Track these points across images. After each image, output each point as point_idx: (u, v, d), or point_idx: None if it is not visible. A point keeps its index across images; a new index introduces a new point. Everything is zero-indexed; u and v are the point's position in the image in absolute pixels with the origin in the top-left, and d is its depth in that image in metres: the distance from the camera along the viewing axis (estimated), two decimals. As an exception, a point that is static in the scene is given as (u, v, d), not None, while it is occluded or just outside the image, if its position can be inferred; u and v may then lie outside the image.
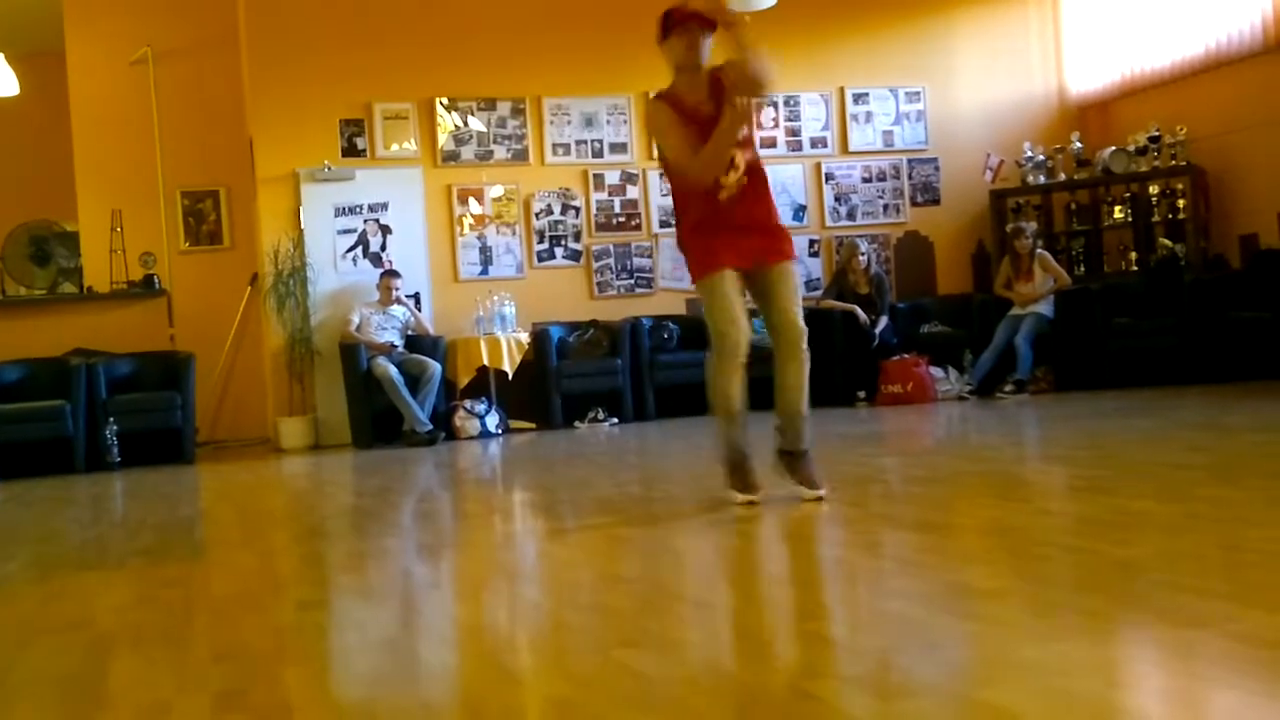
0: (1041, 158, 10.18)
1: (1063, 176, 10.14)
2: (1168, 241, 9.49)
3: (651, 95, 4.48)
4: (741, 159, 4.25)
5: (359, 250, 9.46)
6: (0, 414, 8.28)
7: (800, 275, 4.53)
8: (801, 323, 4.33)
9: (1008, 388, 8.85)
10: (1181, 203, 9.52)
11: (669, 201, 9.98)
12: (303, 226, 9.32)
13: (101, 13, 10.11)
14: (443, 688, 2.41)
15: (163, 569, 4.11)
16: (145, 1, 10.12)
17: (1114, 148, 9.85)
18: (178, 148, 10.05)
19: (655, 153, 4.41)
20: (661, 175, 4.25)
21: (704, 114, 4.25)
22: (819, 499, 4.27)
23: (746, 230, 4.27)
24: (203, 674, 2.56)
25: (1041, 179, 10.17)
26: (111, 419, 8.45)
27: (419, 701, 2.27)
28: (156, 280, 9.87)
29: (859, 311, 9.31)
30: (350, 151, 9.47)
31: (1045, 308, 9.15)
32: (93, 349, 9.16)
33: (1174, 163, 9.53)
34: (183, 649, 2.85)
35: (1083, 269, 9.98)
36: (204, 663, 2.67)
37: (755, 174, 4.32)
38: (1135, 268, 9.69)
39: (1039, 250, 9.36)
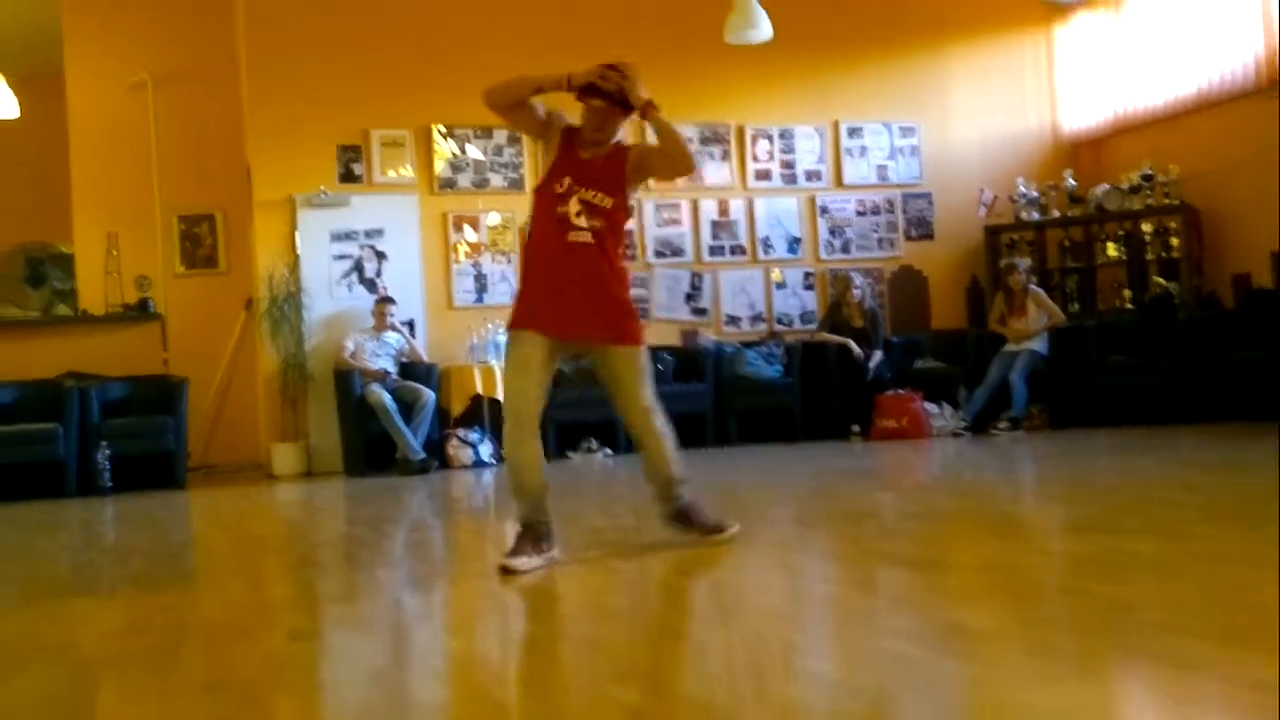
0: (1035, 194, 10.23)
1: (1056, 213, 10.19)
2: (1161, 280, 9.52)
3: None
4: (599, 213, 4.06)
5: (354, 276, 9.46)
6: (-9, 436, 8.24)
7: (647, 358, 4.31)
8: (649, 405, 4.21)
9: (1002, 424, 8.85)
10: (1175, 241, 9.56)
11: (665, 232, 10.14)
12: (298, 251, 9.32)
13: (101, 36, 10.15)
14: (434, 722, 2.39)
15: (153, 596, 4.08)
16: (145, 26, 10.15)
17: (1107, 185, 9.91)
18: (175, 171, 10.07)
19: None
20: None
21: (585, 160, 4.11)
22: (732, 537, 4.20)
23: (584, 296, 4.05)
24: (191, 703, 2.53)
25: (1035, 215, 10.22)
26: (104, 443, 8.41)
27: (410, 736, 2.25)
28: (151, 304, 9.86)
29: (853, 345, 9.32)
30: (347, 177, 9.49)
31: (1040, 344, 9.17)
32: (86, 372, 9.13)
33: (1167, 201, 9.57)
34: (172, 677, 2.82)
35: (1077, 306, 10.01)
36: (193, 691, 2.64)
37: (613, 234, 4.12)
38: (1129, 305, 9.72)
39: (1033, 287, 9.39)
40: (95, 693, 2.72)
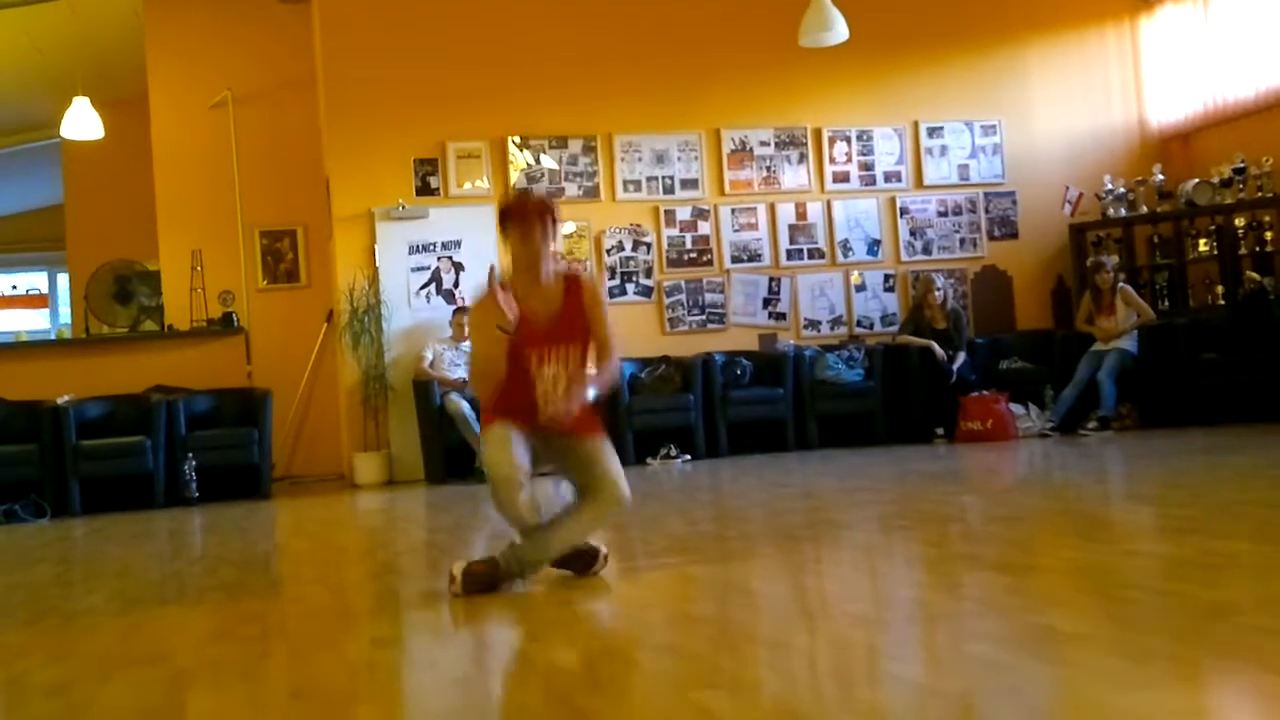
0: (1122, 190, 10.01)
1: (1144, 209, 9.97)
2: (1255, 274, 9.26)
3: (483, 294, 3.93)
4: (569, 359, 3.87)
5: (432, 287, 9.55)
6: (83, 449, 8.45)
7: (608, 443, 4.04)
8: (626, 491, 3.92)
9: (1091, 424, 8.67)
10: (1269, 235, 9.32)
11: (741, 237, 10.10)
12: (377, 264, 9.43)
13: (182, 59, 10.39)
14: (516, 728, 2.38)
15: (240, 604, 4.13)
16: (224, 47, 10.38)
17: (1197, 179, 9.67)
18: (256, 188, 10.27)
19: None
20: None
21: (540, 317, 3.85)
22: (605, 558, 3.99)
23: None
24: (280, 711, 2.55)
25: (1123, 212, 10.00)
26: (190, 455, 8.58)
27: (493, 742, 2.24)
28: (235, 318, 10.05)
29: (936, 347, 9.19)
30: (424, 190, 9.59)
31: (1129, 343, 8.97)
32: (173, 385, 9.33)
33: (1260, 194, 9.32)
34: (260, 685, 2.85)
35: (1167, 303, 9.78)
36: (281, 699, 2.67)
37: (581, 360, 3.92)
38: (1222, 301, 9.47)
39: (1121, 284, 9.19)
40: (187, 700, 2.76)
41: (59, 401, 8.63)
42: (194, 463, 8.56)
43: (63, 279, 14.58)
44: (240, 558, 5.56)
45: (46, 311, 16.49)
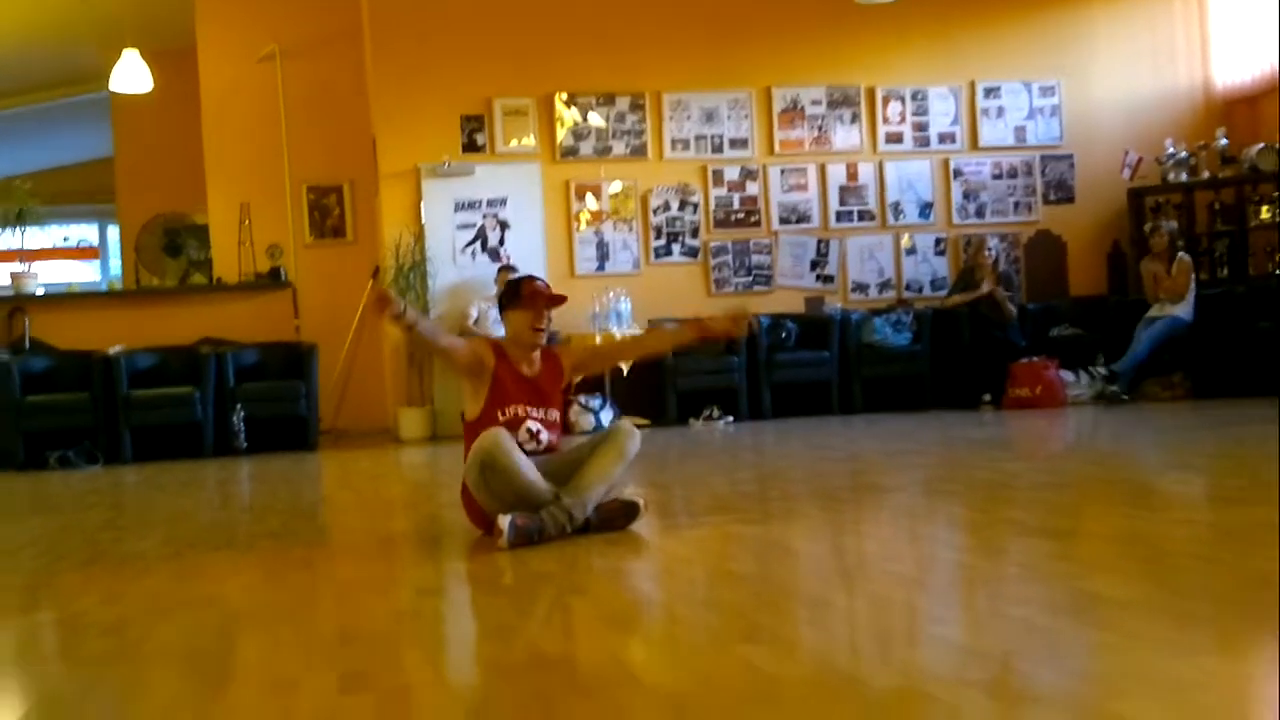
0: (1184, 154, 9.82)
1: (1206, 175, 9.77)
2: (1317, 243, 9.10)
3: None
4: (551, 426, 4.17)
5: (478, 245, 9.57)
6: (134, 399, 8.58)
7: None
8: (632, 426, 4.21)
9: (1102, 369, 8.64)
10: (1334, 203, 9.12)
11: (790, 198, 10.03)
12: (423, 221, 9.46)
13: (231, 11, 10.42)
14: (558, 677, 2.40)
15: (289, 552, 4.20)
16: (272, 1, 10.38)
17: (1262, 144, 9.46)
18: (303, 143, 10.30)
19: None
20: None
21: (528, 377, 4.15)
22: (645, 506, 4.07)
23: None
24: (328, 654, 2.60)
25: (1184, 177, 9.81)
26: (239, 406, 8.70)
27: (535, 690, 2.27)
28: (283, 272, 10.13)
29: (999, 290, 9.09)
30: (470, 147, 9.59)
31: (1184, 311, 8.85)
32: (221, 338, 9.44)
33: (1326, 161, 9.12)
34: (309, 629, 2.90)
35: (1226, 270, 9.61)
36: (329, 643, 2.71)
37: (559, 430, 4.26)
38: (1281, 270, 9.31)
39: (1181, 254, 9.04)
40: (237, 641, 2.81)
41: (110, 352, 8.76)
42: (242, 414, 8.67)
43: (113, 231, 14.74)
44: (288, 507, 5.64)
45: (97, 263, 16.69)
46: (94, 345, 8.93)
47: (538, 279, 4.34)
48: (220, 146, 10.35)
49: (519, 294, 4.18)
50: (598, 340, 8.76)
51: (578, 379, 4.37)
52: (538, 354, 4.22)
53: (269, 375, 9.07)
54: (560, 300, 4.27)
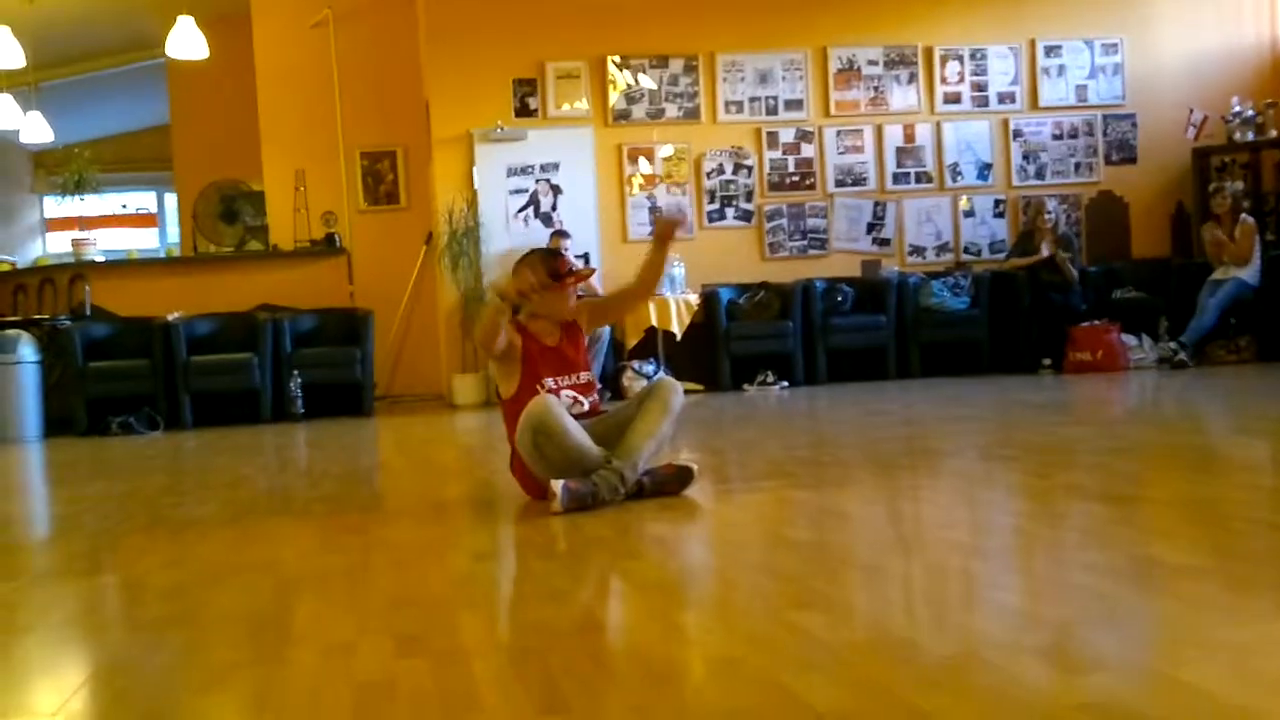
0: (1251, 113, 9.59)
1: (1273, 134, 9.54)
2: (1385, 203, 8.88)
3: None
4: (587, 388, 4.21)
5: (530, 210, 9.57)
6: (193, 365, 8.70)
7: None
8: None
9: (1171, 344, 8.49)
10: (1403, 162, 8.88)
11: (846, 160, 9.92)
12: (476, 187, 9.47)
13: (284, -25, 10.43)
14: (611, 640, 2.40)
15: (345, 517, 4.24)
16: (327, -35, 10.40)
17: (1332, 102, 9.24)
18: (357, 109, 10.34)
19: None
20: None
21: (551, 346, 4.19)
22: (697, 471, 4.10)
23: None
24: (384, 618, 2.62)
25: (1250, 136, 9.59)
26: (296, 372, 8.79)
27: (589, 652, 2.27)
28: (338, 239, 10.20)
29: (1059, 252, 8.95)
30: (523, 112, 9.57)
31: (1249, 274, 8.67)
32: (278, 304, 9.53)
33: (1396, 119, 8.88)
34: (365, 593, 2.92)
35: (1291, 232, 9.42)
36: (384, 607, 2.73)
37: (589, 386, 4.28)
38: (1348, 232, 9.10)
39: (1245, 216, 8.84)
40: (294, 605, 2.84)
41: (169, 319, 8.88)
42: (299, 380, 8.76)
43: (170, 198, 14.91)
44: (344, 472, 5.69)
45: (155, 230, 16.90)
46: (153, 312, 9.06)
47: (559, 253, 4.45)
48: (275, 113, 10.41)
49: (557, 274, 4.20)
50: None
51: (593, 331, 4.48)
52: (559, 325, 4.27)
53: (325, 341, 9.15)
54: (589, 274, 4.40)
